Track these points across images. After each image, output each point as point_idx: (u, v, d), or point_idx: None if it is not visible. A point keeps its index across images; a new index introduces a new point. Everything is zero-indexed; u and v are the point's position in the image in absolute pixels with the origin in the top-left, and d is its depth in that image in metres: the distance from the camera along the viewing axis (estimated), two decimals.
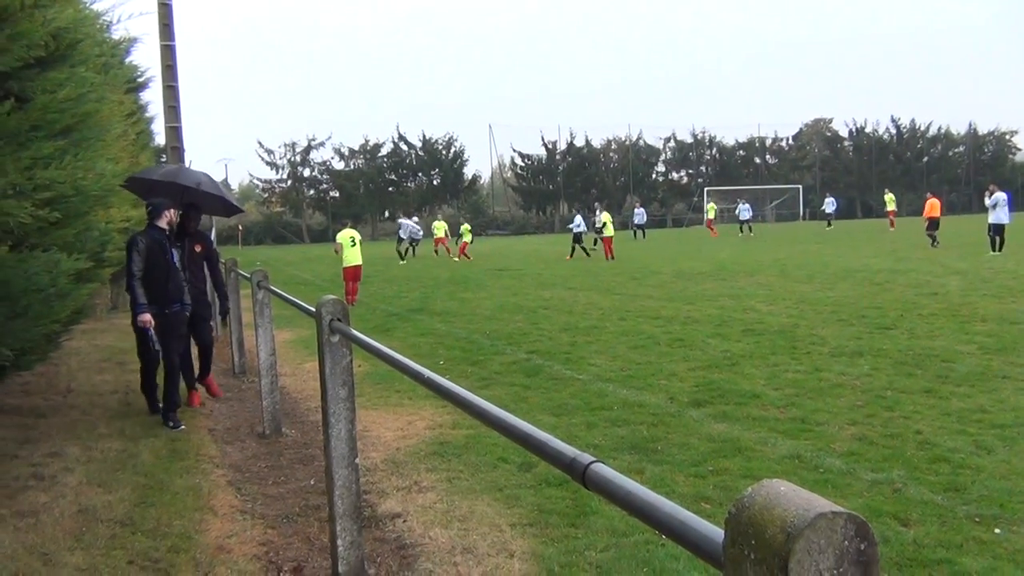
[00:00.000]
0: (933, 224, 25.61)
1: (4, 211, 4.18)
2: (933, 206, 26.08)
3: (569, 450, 1.56)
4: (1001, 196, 21.81)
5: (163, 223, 6.89)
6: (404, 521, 4.48)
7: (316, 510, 4.70)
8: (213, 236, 13.08)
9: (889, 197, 39.96)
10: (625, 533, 4.09)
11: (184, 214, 7.85)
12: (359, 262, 15.75)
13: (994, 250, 21.21)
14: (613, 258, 25.76)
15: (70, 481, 5.26)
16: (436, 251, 32.41)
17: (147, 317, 6.56)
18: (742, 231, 40.50)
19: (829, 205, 45.65)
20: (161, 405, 6.93)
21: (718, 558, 1.05)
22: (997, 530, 3.99)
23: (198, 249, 7.80)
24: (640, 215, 41.55)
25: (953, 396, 6.57)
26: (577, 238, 27.64)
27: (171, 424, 6.66)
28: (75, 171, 4.80)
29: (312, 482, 5.28)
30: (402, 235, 32.45)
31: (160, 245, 6.77)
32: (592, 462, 1.46)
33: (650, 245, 35.06)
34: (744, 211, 42.62)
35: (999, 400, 6.37)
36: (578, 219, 28.39)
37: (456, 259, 29.46)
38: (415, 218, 36.51)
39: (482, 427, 6.09)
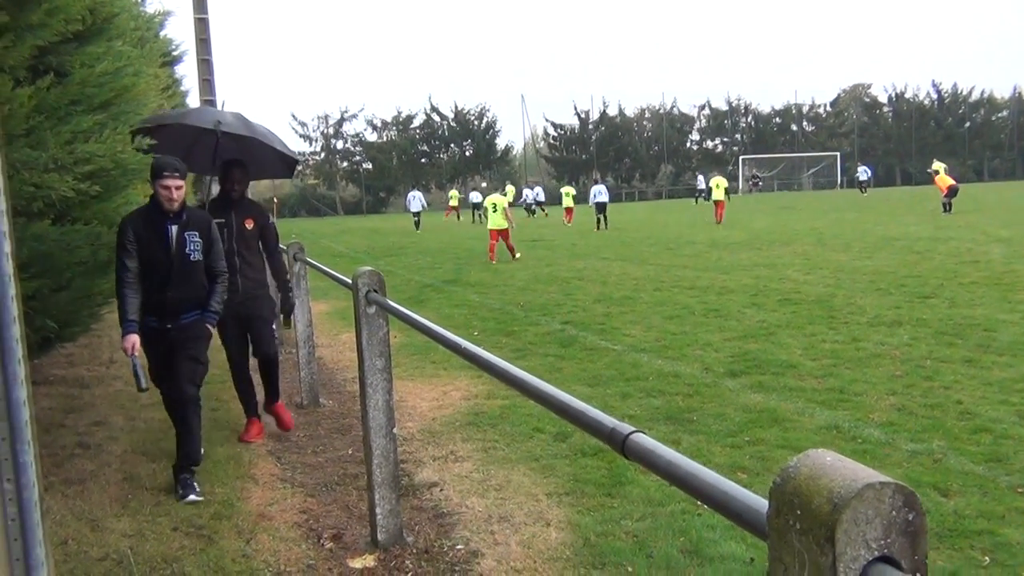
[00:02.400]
0: (952, 191, 26.33)
1: (46, 185, 4.24)
2: (945, 177, 26.86)
3: (609, 420, 1.56)
4: None
5: (164, 199, 4.63)
6: (441, 490, 4.53)
7: (354, 479, 4.77)
8: None
9: (718, 182, 29.95)
10: (661, 503, 4.10)
11: (224, 175, 5.67)
12: (497, 226, 17.59)
13: None
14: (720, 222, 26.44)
15: (115, 449, 5.38)
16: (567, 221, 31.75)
17: (131, 341, 4.55)
18: (696, 202, 45.82)
19: (863, 173, 47.91)
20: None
21: (762, 528, 1.05)
22: None
23: (249, 225, 5.63)
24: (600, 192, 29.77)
25: (995, 366, 6.46)
26: (600, 208, 27.22)
27: (181, 492, 4.52)
28: (114, 144, 4.85)
29: (350, 452, 5.35)
30: (413, 207, 34.11)
31: (154, 228, 4.66)
32: (632, 432, 1.46)
33: (685, 215, 34.74)
34: (700, 182, 49.21)
35: None
36: (601, 188, 28.12)
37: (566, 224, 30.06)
38: (416, 192, 37.10)
39: (517, 397, 6.12)
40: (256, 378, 5.86)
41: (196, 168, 6.64)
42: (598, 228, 26.74)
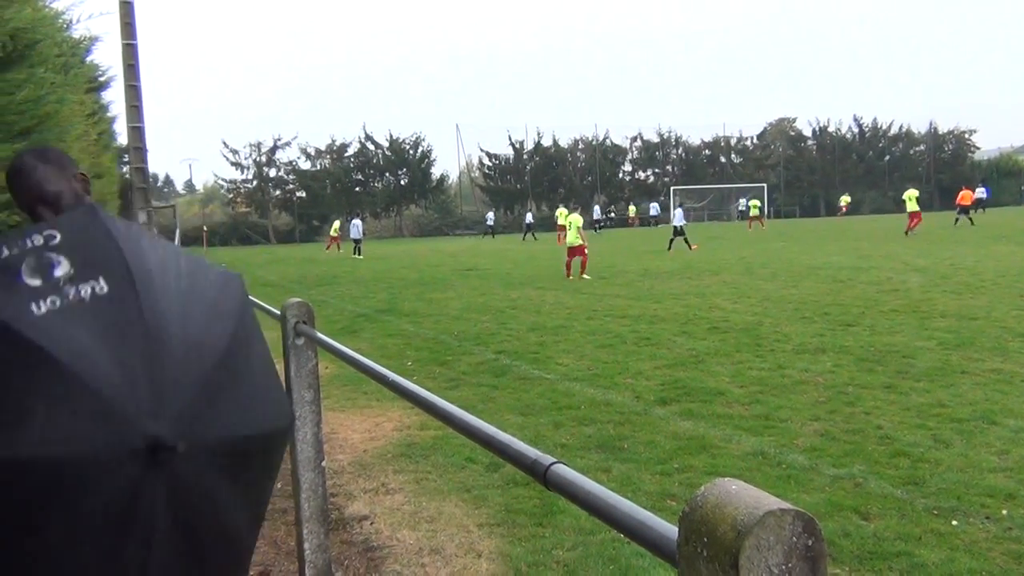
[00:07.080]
0: (963, 209, 34.39)
1: None
2: (964, 196, 35.19)
3: (531, 451, 1.58)
4: None
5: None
6: (371, 523, 4.48)
7: (283, 514, 4.68)
8: (177, 239, 9.36)
9: (910, 195, 32.03)
10: (592, 532, 4.13)
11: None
12: (576, 243, 18.42)
13: None
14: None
15: None
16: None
17: None
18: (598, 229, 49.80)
19: (742, 204, 61.29)
20: None
21: (673, 556, 1.07)
22: (954, 522, 4.08)
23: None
24: (679, 215, 31.01)
25: (913, 391, 6.69)
26: (678, 231, 28.48)
27: None
28: None
29: (279, 486, 5.24)
30: (354, 235, 35.56)
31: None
32: (553, 463, 1.48)
33: (618, 244, 35.21)
34: (653, 209, 58.41)
35: (957, 395, 6.50)
36: (679, 212, 30.04)
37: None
38: (357, 220, 38.09)
39: (449, 428, 6.08)
40: None
41: None
42: (670, 248, 27.72)
